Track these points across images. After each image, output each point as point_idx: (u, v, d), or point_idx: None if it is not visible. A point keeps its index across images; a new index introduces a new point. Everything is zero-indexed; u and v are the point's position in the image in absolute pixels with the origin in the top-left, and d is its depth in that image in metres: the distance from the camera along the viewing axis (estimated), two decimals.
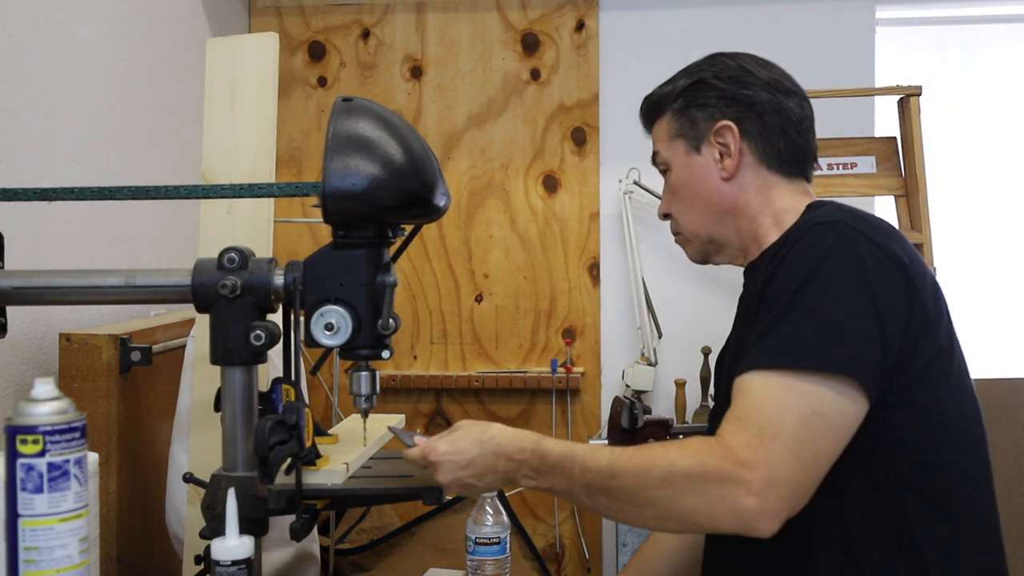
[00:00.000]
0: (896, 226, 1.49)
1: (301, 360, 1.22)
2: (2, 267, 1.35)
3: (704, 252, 1.44)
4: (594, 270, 2.69)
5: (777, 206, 1.36)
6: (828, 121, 1.75)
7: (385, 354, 1.22)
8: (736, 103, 1.37)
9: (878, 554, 1.19)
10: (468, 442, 1.21)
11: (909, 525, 1.19)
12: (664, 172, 1.45)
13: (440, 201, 1.23)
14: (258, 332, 1.17)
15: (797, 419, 1.11)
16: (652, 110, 1.47)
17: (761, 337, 1.18)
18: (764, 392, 1.14)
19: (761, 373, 1.15)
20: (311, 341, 1.19)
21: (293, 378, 1.21)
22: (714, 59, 1.42)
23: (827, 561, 1.21)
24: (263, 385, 1.25)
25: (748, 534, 1.11)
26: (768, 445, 1.10)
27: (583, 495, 1.19)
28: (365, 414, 1.30)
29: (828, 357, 1.13)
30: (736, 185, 1.37)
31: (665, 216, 1.47)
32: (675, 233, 1.47)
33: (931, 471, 1.20)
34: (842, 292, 1.16)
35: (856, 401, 1.14)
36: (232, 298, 1.18)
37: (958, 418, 1.23)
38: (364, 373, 1.25)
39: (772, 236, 1.34)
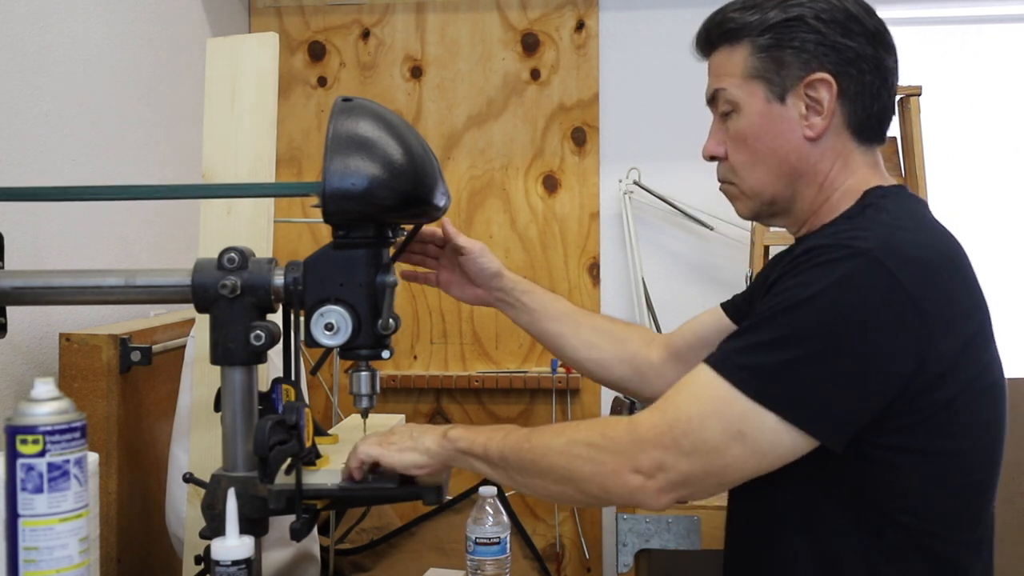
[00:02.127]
0: None
1: (301, 360, 1.22)
2: (2, 267, 1.35)
3: (759, 212, 1.29)
4: (594, 270, 2.69)
5: (849, 180, 1.23)
6: None
7: (385, 354, 1.23)
8: (836, 53, 1.19)
9: None
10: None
11: (883, 559, 1.14)
12: (725, 114, 1.26)
13: (440, 201, 1.23)
14: (258, 332, 1.17)
15: (721, 431, 1.08)
16: (723, 36, 1.26)
17: (738, 336, 1.14)
18: (702, 391, 1.11)
19: (712, 372, 1.10)
20: (311, 341, 1.19)
21: (293, 378, 1.21)
22: None
23: None
24: (263, 385, 1.25)
25: (639, 507, 1.13)
26: (674, 437, 1.09)
27: (499, 464, 1.20)
28: (365, 414, 1.31)
29: (781, 396, 1.07)
30: (818, 148, 1.22)
31: (712, 158, 1.30)
32: (725, 181, 1.30)
33: (916, 512, 1.14)
34: (832, 334, 1.07)
35: (796, 439, 1.08)
36: (232, 298, 1.18)
37: (960, 464, 1.15)
38: (364, 373, 1.25)
39: (835, 212, 1.23)
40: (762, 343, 1.09)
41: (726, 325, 1.46)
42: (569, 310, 1.58)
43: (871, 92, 1.21)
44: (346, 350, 1.22)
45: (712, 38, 1.28)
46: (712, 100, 1.29)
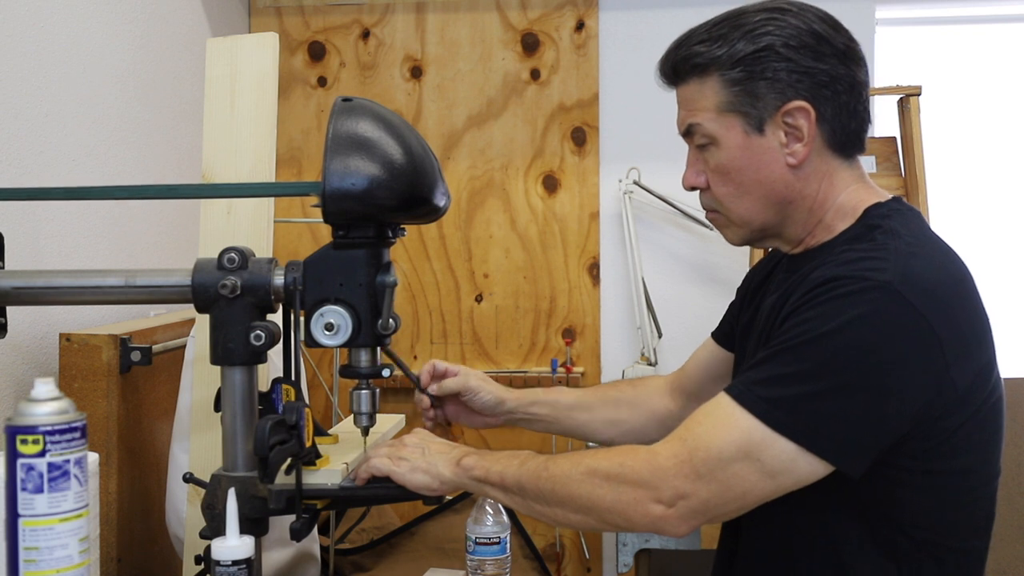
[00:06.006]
0: None
1: (301, 360, 1.23)
2: (2, 267, 1.35)
3: (749, 239, 1.29)
4: (594, 270, 2.69)
5: (840, 197, 1.23)
6: None
7: (385, 372, 1.24)
8: (810, 78, 1.17)
9: None
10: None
11: (896, 570, 1.16)
12: (702, 145, 1.24)
13: (440, 201, 1.23)
14: (258, 332, 1.18)
15: (741, 457, 1.09)
16: (691, 70, 1.23)
17: (758, 366, 1.13)
18: (723, 421, 1.11)
19: (733, 403, 1.11)
20: (311, 341, 1.19)
21: (293, 378, 1.21)
22: (775, 18, 1.18)
23: None
24: (263, 385, 1.25)
25: (661, 534, 1.14)
26: (694, 465, 1.10)
27: (516, 492, 1.21)
28: (365, 432, 1.31)
29: (802, 427, 1.08)
30: (802, 173, 1.21)
31: (693, 188, 1.28)
32: (711, 210, 1.29)
33: (929, 525, 1.16)
34: (853, 369, 1.07)
35: (814, 466, 1.09)
36: (232, 298, 1.18)
37: (971, 479, 1.17)
38: (364, 392, 1.27)
39: (832, 231, 1.23)
40: (783, 375, 1.10)
41: (725, 355, 1.48)
42: (577, 398, 1.59)
43: (848, 110, 1.20)
44: (347, 368, 1.24)
45: (680, 71, 1.25)
46: (687, 133, 1.26)
